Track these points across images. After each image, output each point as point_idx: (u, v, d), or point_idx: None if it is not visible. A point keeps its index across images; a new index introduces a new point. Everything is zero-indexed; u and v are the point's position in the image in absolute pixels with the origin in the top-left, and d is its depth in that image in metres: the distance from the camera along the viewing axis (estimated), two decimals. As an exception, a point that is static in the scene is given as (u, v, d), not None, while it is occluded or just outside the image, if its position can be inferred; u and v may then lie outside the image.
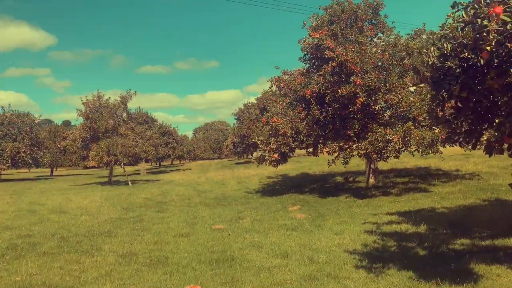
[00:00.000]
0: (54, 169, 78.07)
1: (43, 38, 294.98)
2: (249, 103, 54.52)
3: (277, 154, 17.16)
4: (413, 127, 13.89)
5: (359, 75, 14.55)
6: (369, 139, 14.81)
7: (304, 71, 18.53)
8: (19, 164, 43.53)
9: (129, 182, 30.36)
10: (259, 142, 18.40)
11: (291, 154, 18.19)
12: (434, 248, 7.72)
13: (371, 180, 18.99)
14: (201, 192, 21.25)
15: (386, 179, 20.22)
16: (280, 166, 18.49)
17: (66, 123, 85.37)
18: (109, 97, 31.10)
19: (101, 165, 31.36)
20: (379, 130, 14.84)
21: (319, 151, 16.71)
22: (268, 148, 17.54)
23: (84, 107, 29.66)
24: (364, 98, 14.69)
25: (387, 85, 14.54)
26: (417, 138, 13.99)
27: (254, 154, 71.04)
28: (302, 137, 16.66)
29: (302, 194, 18.44)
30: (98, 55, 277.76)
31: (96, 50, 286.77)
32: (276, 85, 18.41)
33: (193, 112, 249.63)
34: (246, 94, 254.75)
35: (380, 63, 15.21)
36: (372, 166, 19.02)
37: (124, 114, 32.61)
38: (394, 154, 14.57)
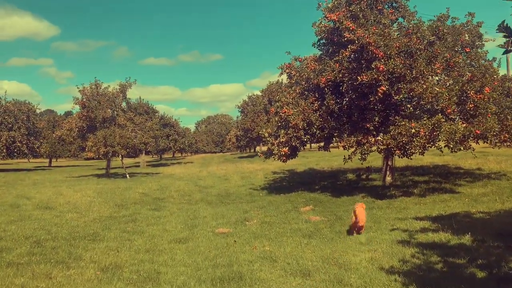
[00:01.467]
0: (55, 160, 76.86)
1: (46, 28, 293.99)
2: (253, 95, 52.86)
3: (287, 148, 15.60)
4: (443, 120, 12.24)
5: (382, 60, 12.91)
6: (391, 133, 13.20)
7: (317, 57, 16.91)
8: (15, 154, 42.04)
9: (127, 175, 28.89)
10: (266, 134, 16.83)
11: (302, 148, 16.60)
12: (493, 268, 6.15)
13: (388, 178, 17.41)
14: (202, 188, 19.72)
15: (403, 177, 18.63)
16: (280, 161, 16.77)
17: (68, 114, 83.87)
18: (108, 85, 29.52)
19: (100, 156, 29.83)
20: (403, 123, 13.21)
21: (334, 145, 15.08)
22: (276, 141, 15.98)
23: (80, 95, 28.09)
24: (386, 86, 13.05)
25: (414, 72, 12.86)
26: (448, 132, 12.36)
27: (257, 148, 69.51)
28: (314, 130, 15.06)
29: (312, 192, 16.89)
30: (101, 46, 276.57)
31: (99, 41, 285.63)
32: (287, 73, 16.77)
33: (196, 105, 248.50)
34: (249, 88, 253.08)
35: (404, 49, 13.53)
36: (389, 163, 17.44)
37: (123, 104, 31.06)
38: (420, 150, 12.96)
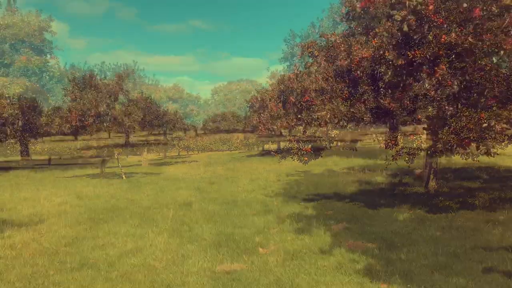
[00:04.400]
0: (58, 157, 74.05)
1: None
2: (263, 88, 49.36)
3: (310, 146, 12.41)
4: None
5: (444, 29, 9.64)
6: (452, 127, 9.93)
7: (347, 34, 13.69)
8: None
9: (123, 175, 25.82)
10: (282, 130, 13.64)
11: (329, 147, 13.44)
12: None
13: (432, 184, 14.15)
14: (205, 193, 16.54)
15: (448, 182, 15.38)
16: (298, 162, 13.46)
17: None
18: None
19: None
20: (466, 113, 9.91)
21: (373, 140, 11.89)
22: (296, 137, 12.79)
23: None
24: (446, 66, 9.79)
25: (487, 44, 9.54)
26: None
27: (266, 146, 66.34)
28: (344, 123, 11.91)
29: (339, 200, 13.66)
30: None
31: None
32: (309, 53, 13.52)
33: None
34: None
35: (468, 16, 10.24)
36: (433, 164, 14.18)
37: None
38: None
